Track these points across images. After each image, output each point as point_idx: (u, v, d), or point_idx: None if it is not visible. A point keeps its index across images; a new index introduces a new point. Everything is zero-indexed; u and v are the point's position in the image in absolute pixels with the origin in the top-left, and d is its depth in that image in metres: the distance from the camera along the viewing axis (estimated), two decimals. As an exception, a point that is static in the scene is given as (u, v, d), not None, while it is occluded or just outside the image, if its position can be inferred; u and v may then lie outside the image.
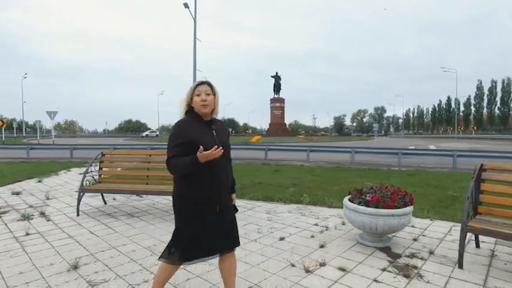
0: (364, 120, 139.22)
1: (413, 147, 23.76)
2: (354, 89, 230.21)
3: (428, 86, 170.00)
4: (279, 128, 57.76)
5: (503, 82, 65.62)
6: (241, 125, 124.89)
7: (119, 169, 6.81)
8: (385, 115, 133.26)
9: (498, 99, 67.22)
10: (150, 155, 6.28)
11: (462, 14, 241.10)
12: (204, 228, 2.32)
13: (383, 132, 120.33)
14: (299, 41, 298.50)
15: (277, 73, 61.49)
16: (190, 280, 3.13)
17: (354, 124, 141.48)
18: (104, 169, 6.25)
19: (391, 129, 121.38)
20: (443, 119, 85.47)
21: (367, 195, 3.91)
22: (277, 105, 59.52)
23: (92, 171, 5.84)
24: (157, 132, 77.96)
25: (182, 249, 2.33)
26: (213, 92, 2.37)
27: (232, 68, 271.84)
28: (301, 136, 61.40)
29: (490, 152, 13.98)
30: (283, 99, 60.26)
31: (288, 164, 13.89)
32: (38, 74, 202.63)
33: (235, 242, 2.51)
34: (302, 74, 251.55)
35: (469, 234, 3.85)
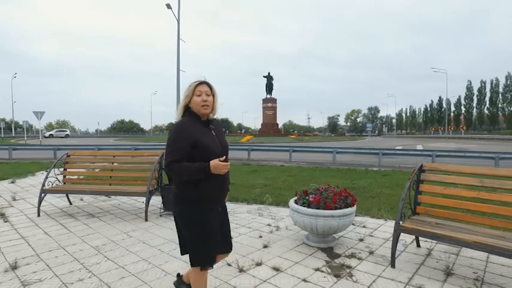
0: (358, 120, 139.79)
1: (400, 147, 23.95)
2: (349, 88, 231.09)
3: (422, 85, 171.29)
4: (271, 128, 57.90)
5: (491, 82, 66.25)
6: (235, 125, 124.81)
7: (97, 170, 6.83)
8: (379, 115, 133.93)
9: (487, 99, 67.94)
10: (114, 156, 6.34)
11: (456, 14, 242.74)
12: (216, 230, 2.35)
13: (377, 132, 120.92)
14: (294, 39, 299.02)
15: (269, 73, 61.64)
16: (125, 278, 3.20)
17: (348, 124, 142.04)
18: (70, 170, 6.31)
19: (384, 130, 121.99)
20: (435, 119, 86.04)
21: (310, 196, 4.00)
22: (269, 105, 59.62)
23: (56, 174, 5.89)
24: (68, 132, 68.51)
25: (202, 255, 2.33)
26: (212, 93, 2.34)
27: (226, 67, 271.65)
28: (293, 136, 61.61)
29: (468, 152, 14.15)
30: (275, 100, 60.37)
31: (269, 164, 13.97)
32: (30, 73, 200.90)
33: (231, 244, 2.56)
34: (298, 73, 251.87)
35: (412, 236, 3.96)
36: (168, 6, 16.16)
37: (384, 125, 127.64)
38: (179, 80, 17.25)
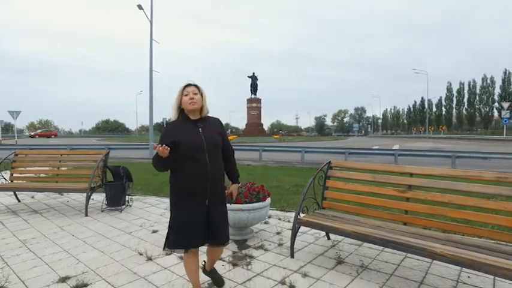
0: (345, 120, 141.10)
1: (377, 147, 24.48)
2: (336, 89, 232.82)
3: (409, 86, 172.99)
4: (255, 128, 58.15)
5: (469, 84, 67.85)
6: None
7: (66, 169, 6.96)
8: (365, 115, 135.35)
9: (465, 100, 69.40)
10: (61, 155, 6.53)
11: (442, 15, 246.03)
12: (193, 218, 2.56)
13: (363, 132, 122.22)
14: (285, 40, 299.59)
15: (254, 73, 61.81)
16: (37, 267, 3.42)
17: (335, 124, 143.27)
18: (20, 168, 6.50)
19: (369, 130, 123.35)
20: (418, 119, 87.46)
21: (226, 191, 4.26)
22: (254, 105, 59.90)
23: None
24: None
25: (175, 237, 2.60)
26: (200, 92, 2.64)
27: (215, 67, 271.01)
28: (276, 136, 62.02)
29: (428, 151, 14.68)
30: (260, 100, 60.66)
31: (237, 163, 14.17)
32: (13, 72, 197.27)
33: (223, 238, 2.74)
34: (287, 73, 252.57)
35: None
36: (140, 7, 16.22)
37: (369, 125, 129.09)
38: (152, 80, 17.37)
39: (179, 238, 2.59)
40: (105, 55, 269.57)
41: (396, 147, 27.33)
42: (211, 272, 3.03)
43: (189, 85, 2.65)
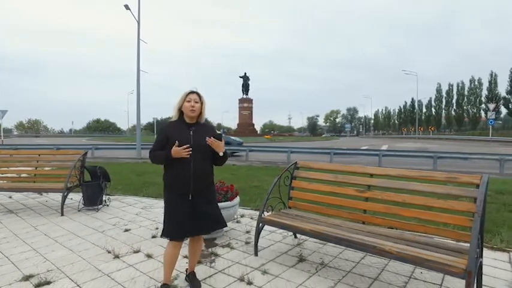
0: (337, 120, 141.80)
1: (366, 147, 24.69)
2: (329, 89, 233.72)
3: (401, 86, 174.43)
4: (246, 128, 58.39)
5: (457, 86, 68.43)
6: (215, 125, 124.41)
7: (50, 169, 6.98)
8: (357, 116, 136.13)
9: (454, 101, 70.06)
10: (39, 155, 6.57)
11: (436, 15, 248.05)
12: (177, 211, 2.78)
13: (355, 132, 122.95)
14: (279, 40, 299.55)
15: (245, 73, 62.09)
16: (2, 266, 3.49)
17: (327, 124, 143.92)
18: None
19: (361, 130, 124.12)
20: (408, 119, 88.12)
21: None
22: (245, 105, 60.16)
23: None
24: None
25: (165, 228, 2.84)
26: (201, 101, 2.85)
27: (208, 67, 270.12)
28: (267, 136, 62.35)
29: (411, 151, 14.89)
30: (251, 100, 60.92)
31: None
32: (13, 71, 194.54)
33: (205, 232, 3.00)
34: (280, 73, 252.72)
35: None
36: (127, 7, 16.17)
37: (361, 126, 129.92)
38: (139, 80, 17.38)
39: (167, 228, 2.83)
40: (102, 55, 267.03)
41: (385, 147, 27.60)
42: (190, 277, 3.11)
43: (192, 92, 2.85)
